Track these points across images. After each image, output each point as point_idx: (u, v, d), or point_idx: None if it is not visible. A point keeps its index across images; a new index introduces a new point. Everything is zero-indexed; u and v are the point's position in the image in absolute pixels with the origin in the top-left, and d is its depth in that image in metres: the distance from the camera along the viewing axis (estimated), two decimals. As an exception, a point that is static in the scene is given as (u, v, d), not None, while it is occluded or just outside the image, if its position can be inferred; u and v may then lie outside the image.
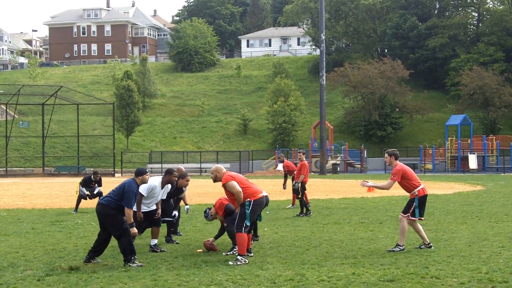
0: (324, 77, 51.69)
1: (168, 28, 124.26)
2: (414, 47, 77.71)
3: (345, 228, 15.74)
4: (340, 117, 70.12)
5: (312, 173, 52.18)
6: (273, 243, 13.35)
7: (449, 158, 55.28)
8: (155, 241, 12.44)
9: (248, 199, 11.03)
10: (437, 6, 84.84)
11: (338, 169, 53.28)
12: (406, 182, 12.30)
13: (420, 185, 12.36)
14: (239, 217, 10.96)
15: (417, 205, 12.26)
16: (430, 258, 11.10)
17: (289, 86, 69.93)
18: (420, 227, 12.38)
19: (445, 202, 22.76)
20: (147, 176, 11.23)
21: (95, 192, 20.86)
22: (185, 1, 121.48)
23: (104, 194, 20.06)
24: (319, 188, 31.31)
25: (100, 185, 21.15)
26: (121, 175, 53.77)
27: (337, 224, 16.58)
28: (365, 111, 66.77)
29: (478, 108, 65.54)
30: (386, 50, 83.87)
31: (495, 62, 71.25)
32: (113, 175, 52.65)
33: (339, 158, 56.49)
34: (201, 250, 12.35)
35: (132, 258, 10.65)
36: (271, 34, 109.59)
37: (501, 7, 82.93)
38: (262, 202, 11.32)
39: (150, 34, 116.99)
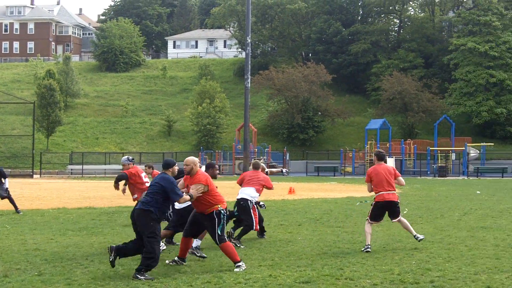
0: (249, 80, 51.72)
1: (93, 27, 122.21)
2: (338, 52, 78.94)
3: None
4: (264, 120, 70.62)
5: (235, 175, 52.44)
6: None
7: (368, 161, 56.40)
8: (199, 242, 11.96)
9: (221, 207, 10.68)
10: (361, 12, 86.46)
11: (261, 171, 53.49)
12: (372, 185, 12.81)
13: (382, 191, 12.66)
14: (222, 228, 10.58)
15: (372, 209, 12.80)
16: (345, 260, 11.35)
17: (215, 88, 69.92)
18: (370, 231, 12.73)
19: (363, 204, 23.11)
20: (176, 168, 10.69)
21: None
22: (112, 1, 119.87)
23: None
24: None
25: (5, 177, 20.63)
26: (40, 176, 52.73)
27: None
28: (288, 114, 67.36)
29: (397, 113, 67.15)
30: (310, 55, 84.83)
31: (415, 68, 73.18)
32: (31, 176, 51.50)
33: (262, 161, 56.76)
34: None
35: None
36: (198, 36, 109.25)
37: (421, 14, 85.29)
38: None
39: (75, 33, 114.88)
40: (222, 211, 10.62)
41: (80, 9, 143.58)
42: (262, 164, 14.46)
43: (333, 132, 70.20)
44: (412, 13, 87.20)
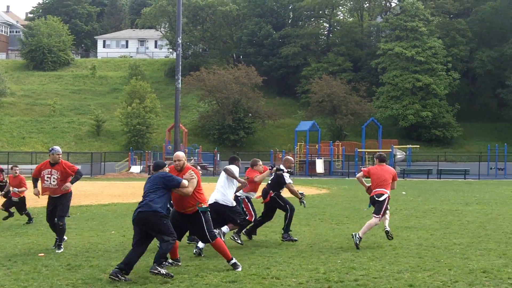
0: (180, 81, 51.22)
1: (21, 25, 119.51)
2: (268, 55, 79.42)
3: None
4: (195, 120, 70.42)
5: (166, 176, 52.16)
6: (119, 246, 13.31)
7: (298, 162, 56.95)
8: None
9: (204, 205, 10.54)
10: (291, 15, 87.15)
11: (192, 172, 53.49)
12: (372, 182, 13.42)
13: (376, 188, 13.25)
14: (209, 224, 10.47)
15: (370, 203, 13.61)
16: (272, 259, 11.44)
17: (145, 88, 69.35)
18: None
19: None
20: (167, 169, 10.44)
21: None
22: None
23: None
24: None
25: None
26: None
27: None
28: (219, 115, 67.37)
29: (326, 115, 68.04)
30: (241, 57, 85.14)
31: (344, 71, 74.33)
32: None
33: (192, 161, 56.55)
34: (43, 254, 12.08)
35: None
36: (129, 36, 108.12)
37: (350, 19, 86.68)
38: None
39: (2, 31, 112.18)
40: (207, 209, 10.55)
41: (8, 7, 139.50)
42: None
43: (264, 134, 70.60)
44: (341, 17, 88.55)
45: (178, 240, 10.74)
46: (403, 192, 30.70)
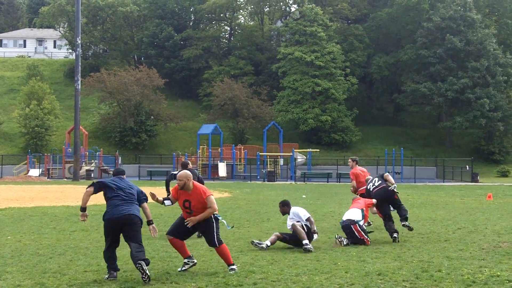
0: (80, 82, 51.02)
1: None
2: (170, 57, 79.19)
3: (92, 235, 15.81)
4: (95, 123, 69.22)
5: (66, 179, 51.32)
6: (15, 251, 13.11)
7: (201, 165, 57.10)
8: None
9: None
10: (192, 18, 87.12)
11: (92, 175, 52.88)
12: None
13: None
14: (218, 231, 10.94)
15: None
16: (172, 263, 11.57)
17: (44, 89, 67.75)
18: None
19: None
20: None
21: None
22: None
23: None
24: (71, 195, 30.70)
25: None
26: None
27: (84, 231, 16.58)
28: (120, 117, 66.59)
29: (229, 118, 68.40)
30: (142, 58, 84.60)
31: (245, 75, 74.95)
32: None
33: (93, 164, 56.08)
34: None
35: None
36: (26, 35, 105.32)
37: (251, 23, 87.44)
38: None
39: None
40: (218, 215, 10.94)
41: None
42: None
43: (166, 137, 70.25)
44: (242, 21, 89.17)
45: (182, 240, 10.99)
46: (303, 196, 31.30)
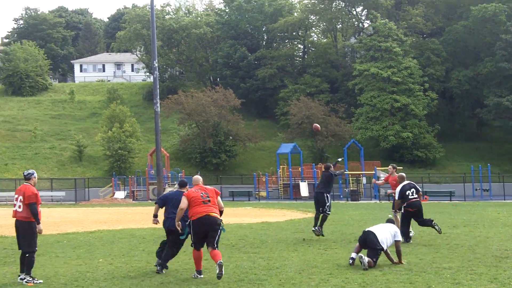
0: (159, 104, 51.87)
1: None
2: (245, 77, 79.66)
3: (181, 257, 15.44)
4: (176, 144, 70.18)
5: (150, 200, 52.33)
6: (108, 274, 13.64)
7: (282, 185, 57.23)
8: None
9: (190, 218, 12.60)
10: (265, 37, 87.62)
11: (175, 196, 53.60)
12: None
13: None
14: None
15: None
16: (262, 287, 11.76)
17: (124, 112, 69.44)
18: None
19: (278, 229, 23.35)
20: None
21: None
22: (15, 23, 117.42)
23: None
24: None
25: None
26: None
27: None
28: (200, 138, 67.22)
29: (307, 137, 67.91)
30: (218, 79, 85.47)
31: (321, 93, 74.43)
32: None
33: (176, 185, 56.93)
34: (31, 284, 12.38)
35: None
36: (105, 60, 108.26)
37: (324, 40, 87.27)
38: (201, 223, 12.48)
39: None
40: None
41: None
42: None
43: (246, 157, 70.57)
44: (315, 39, 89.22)
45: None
46: (389, 215, 30.92)
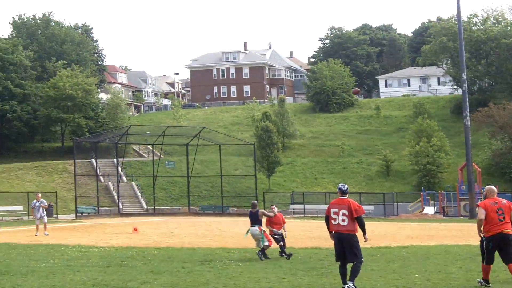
0: (468, 118, 50.03)
1: (304, 69, 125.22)
2: None
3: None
4: (488, 159, 66.94)
5: (461, 217, 50.44)
6: None
7: None
8: None
9: None
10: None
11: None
12: None
13: None
14: None
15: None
16: None
17: (432, 126, 68.13)
18: None
19: None
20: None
21: None
22: (321, 43, 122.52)
23: None
24: (470, 234, 28.80)
25: None
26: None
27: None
28: (514, 153, 63.61)
29: None
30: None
31: None
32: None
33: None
34: None
35: None
36: (410, 74, 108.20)
37: None
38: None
39: (287, 76, 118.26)
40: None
41: (291, 52, 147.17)
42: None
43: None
44: None
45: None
46: None
